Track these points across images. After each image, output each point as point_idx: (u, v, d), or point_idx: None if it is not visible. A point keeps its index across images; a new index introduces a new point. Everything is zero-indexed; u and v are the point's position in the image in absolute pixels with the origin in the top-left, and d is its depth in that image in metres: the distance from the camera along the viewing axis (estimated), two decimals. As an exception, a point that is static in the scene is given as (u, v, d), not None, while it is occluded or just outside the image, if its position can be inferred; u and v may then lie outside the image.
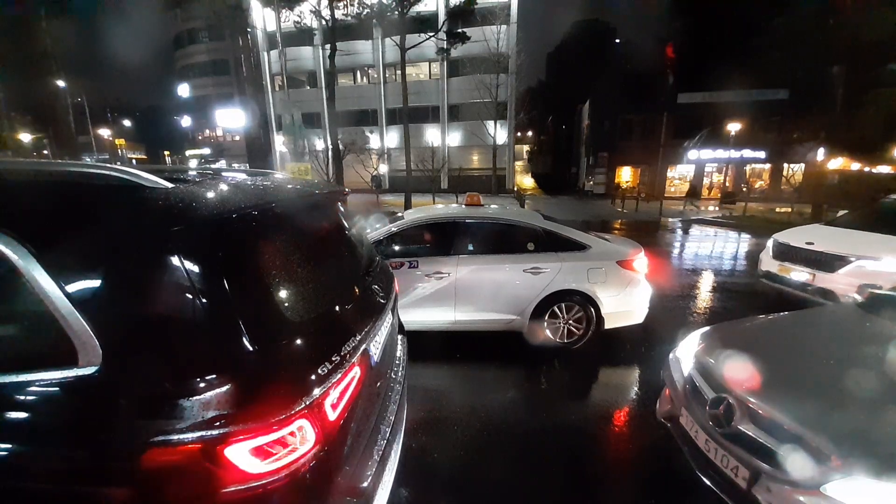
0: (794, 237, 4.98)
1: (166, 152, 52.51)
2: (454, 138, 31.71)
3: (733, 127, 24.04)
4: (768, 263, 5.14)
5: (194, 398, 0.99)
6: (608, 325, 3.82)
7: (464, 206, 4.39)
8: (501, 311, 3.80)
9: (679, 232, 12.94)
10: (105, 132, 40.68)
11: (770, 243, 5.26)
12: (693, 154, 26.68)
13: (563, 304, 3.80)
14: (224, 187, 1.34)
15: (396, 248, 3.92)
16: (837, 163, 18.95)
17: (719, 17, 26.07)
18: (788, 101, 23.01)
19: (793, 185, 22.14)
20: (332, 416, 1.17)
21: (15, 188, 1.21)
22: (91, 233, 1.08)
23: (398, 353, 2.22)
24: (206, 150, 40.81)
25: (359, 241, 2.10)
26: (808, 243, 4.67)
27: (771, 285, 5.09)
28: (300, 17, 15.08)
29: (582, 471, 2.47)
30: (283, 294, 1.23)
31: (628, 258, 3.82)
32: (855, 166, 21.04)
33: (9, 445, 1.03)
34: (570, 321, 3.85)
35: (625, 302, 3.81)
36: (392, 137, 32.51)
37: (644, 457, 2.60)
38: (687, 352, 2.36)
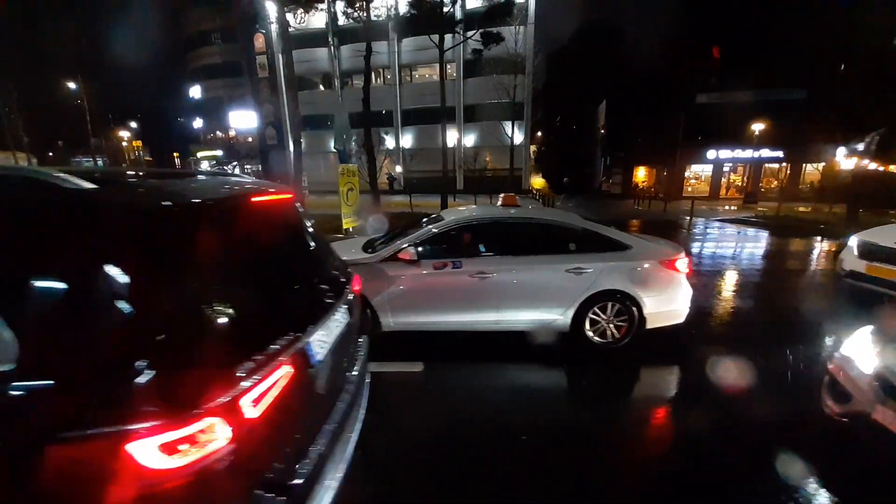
0: (881, 236, 4.99)
1: (175, 154, 52.25)
2: (469, 139, 31.73)
3: (749, 126, 24.03)
4: (853, 263, 5.14)
5: (103, 394, 1.02)
6: (650, 324, 3.77)
7: (499, 206, 4.38)
8: (544, 311, 3.77)
9: (717, 233, 12.77)
10: (124, 134, 40.60)
11: (854, 243, 5.27)
12: (711, 153, 26.67)
13: (605, 304, 3.76)
14: (148, 188, 1.36)
15: (438, 248, 3.87)
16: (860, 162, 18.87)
17: (737, 17, 26.06)
18: (808, 99, 23.00)
19: (824, 183, 22.02)
20: (251, 413, 1.19)
21: None
22: (9, 234, 1.12)
23: (355, 354, 2.22)
24: (219, 152, 40.79)
25: (310, 242, 2.13)
26: (898, 243, 4.68)
27: (857, 285, 5.10)
28: (333, 15, 15.08)
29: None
30: (204, 293, 1.24)
31: (671, 258, 3.78)
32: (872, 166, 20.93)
33: None
34: (613, 321, 3.82)
35: (667, 302, 3.78)
36: (407, 139, 32.56)
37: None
38: (862, 351, 2.39)
